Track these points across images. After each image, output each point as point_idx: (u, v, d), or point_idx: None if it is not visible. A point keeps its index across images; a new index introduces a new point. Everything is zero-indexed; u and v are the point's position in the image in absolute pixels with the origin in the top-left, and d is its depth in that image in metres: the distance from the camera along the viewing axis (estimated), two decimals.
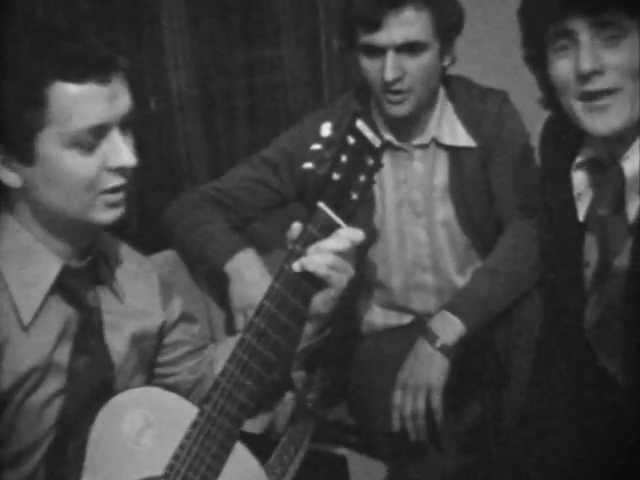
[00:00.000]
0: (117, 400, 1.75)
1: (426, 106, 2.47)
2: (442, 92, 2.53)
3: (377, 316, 2.69)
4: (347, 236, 1.72)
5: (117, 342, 1.88)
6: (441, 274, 2.61)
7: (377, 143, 1.73)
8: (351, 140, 1.70)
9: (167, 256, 2.48)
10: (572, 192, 2.02)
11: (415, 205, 2.56)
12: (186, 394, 2.03)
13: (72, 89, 1.64)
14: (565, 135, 2.04)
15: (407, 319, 2.65)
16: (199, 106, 3.00)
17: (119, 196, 1.74)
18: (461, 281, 2.57)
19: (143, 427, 1.75)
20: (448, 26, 2.39)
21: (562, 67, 1.87)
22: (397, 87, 2.37)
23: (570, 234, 2.05)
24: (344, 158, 1.70)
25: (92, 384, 1.82)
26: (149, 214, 2.79)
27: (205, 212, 2.49)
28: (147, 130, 2.88)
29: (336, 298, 1.78)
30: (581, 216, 2.02)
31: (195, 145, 2.98)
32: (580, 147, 2.01)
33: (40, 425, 1.78)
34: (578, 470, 2.02)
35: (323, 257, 1.70)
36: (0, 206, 1.78)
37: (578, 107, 1.88)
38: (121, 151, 1.70)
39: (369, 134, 1.71)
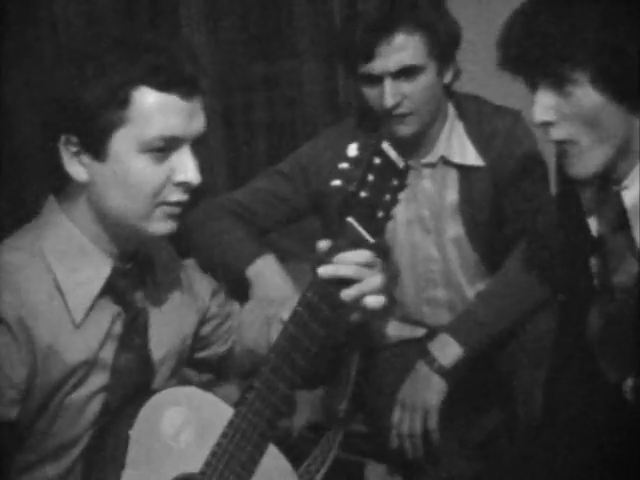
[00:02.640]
0: (158, 399, 1.80)
1: (432, 124, 2.50)
2: (452, 110, 2.55)
3: (391, 329, 2.74)
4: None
5: (157, 344, 1.92)
6: (453, 288, 2.65)
7: (401, 164, 1.77)
8: (377, 160, 1.74)
9: (187, 264, 2.53)
10: (581, 209, 2.06)
11: (425, 222, 2.60)
12: (215, 369, 2.10)
13: (155, 96, 1.70)
14: None
15: (420, 332, 2.69)
16: (219, 117, 3.07)
17: (177, 210, 1.78)
18: (473, 294, 2.60)
19: (182, 425, 1.80)
20: (443, 44, 2.41)
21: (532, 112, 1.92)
22: (400, 111, 2.40)
23: (581, 249, 2.09)
24: (370, 177, 1.74)
25: (133, 382, 1.86)
26: None
27: (224, 222, 2.54)
28: None
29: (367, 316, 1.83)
30: (594, 231, 2.05)
31: (215, 155, 3.05)
32: None
33: (81, 420, 1.82)
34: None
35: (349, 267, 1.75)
36: (53, 206, 1.82)
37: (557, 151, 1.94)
38: (189, 167, 1.75)
39: (394, 155, 1.76)
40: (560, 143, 1.89)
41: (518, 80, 1.93)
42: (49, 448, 1.82)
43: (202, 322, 2.07)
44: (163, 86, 1.70)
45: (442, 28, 2.40)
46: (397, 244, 2.61)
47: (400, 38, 2.35)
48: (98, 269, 1.80)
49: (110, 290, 1.82)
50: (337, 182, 1.75)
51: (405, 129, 2.45)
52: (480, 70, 2.59)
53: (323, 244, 1.77)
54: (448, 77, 2.48)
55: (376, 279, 1.77)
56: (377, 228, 1.78)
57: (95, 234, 1.80)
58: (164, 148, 1.73)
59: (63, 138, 1.73)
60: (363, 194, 1.74)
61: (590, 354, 2.07)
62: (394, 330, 2.74)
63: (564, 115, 1.86)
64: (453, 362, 2.36)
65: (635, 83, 1.84)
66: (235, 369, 2.12)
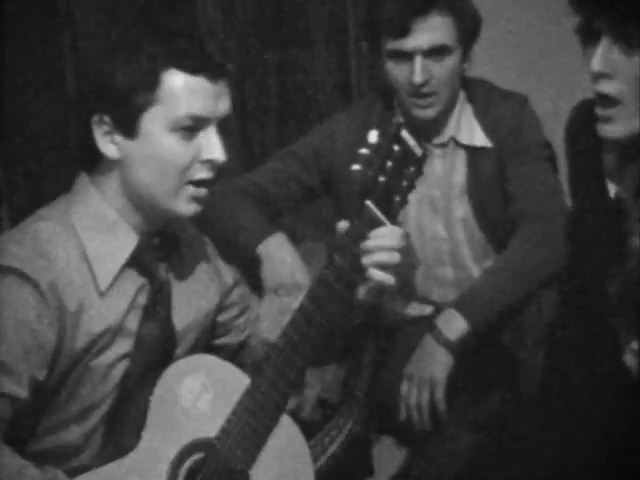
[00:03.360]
0: (177, 366, 1.89)
1: (448, 108, 2.58)
2: (462, 94, 2.63)
3: (399, 307, 2.79)
4: (395, 234, 1.86)
5: (180, 316, 2.00)
6: (460, 267, 2.71)
7: (419, 152, 1.85)
8: (396, 147, 1.82)
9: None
10: (602, 171, 2.07)
11: (435, 202, 2.66)
12: (232, 356, 2.16)
13: (184, 78, 1.80)
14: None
15: (428, 310, 2.74)
16: (233, 102, 3.13)
17: (203, 192, 1.88)
18: (479, 273, 2.67)
19: (200, 392, 1.88)
20: (469, 31, 2.50)
21: (587, 59, 1.91)
22: (425, 90, 2.48)
23: (599, 211, 2.11)
24: (389, 163, 1.83)
25: (156, 350, 1.94)
26: None
27: (238, 201, 2.59)
28: None
29: (380, 294, 1.95)
30: (612, 193, 2.07)
31: (229, 139, 3.11)
32: None
33: (104, 385, 1.90)
34: (591, 456, 2.07)
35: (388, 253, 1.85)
36: (85, 181, 1.91)
37: (596, 106, 1.94)
38: (215, 146, 1.84)
39: (412, 143, 1.84)
40: (603, 100, 1.90)
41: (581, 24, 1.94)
42: (73, 410, 1.90)
43: (223, 305, 2.15)
44: (192, 69, 1.80)
45: (470, 15, 2.51)
46: (407, 223, 2.66)
47: (435, 18, 2.44)
48: (125, 241, 1.89)
49: (136, 262, 1.91)
50: (357, 167, 1.83)
51: (428, 112, 2.53)
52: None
53: (342, 225, 1.86)
54: (467, 64, 2.57)
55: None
56: (394, 212, 1.86)
57: (123, 209, 1.89)
58: (192, 127, 1.82)
59: (96, 117, 1.82)
60: (382, 179, 1.83)
61: (594, 323, 2.11)
62: (402, 308, 2.80)
63: (620, 73, 1.87)
64: (459, 336, 2.41)
65: None
66: (250, 359, 2.18)
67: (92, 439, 1.93)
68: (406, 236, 1.89)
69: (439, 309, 2.67)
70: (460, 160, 2.64)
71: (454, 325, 2.42)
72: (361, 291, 1.92)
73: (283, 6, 3.28)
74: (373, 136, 1.83)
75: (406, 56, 2.47)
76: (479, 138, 2.60)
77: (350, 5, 3.39)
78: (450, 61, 2.49)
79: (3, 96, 2.83)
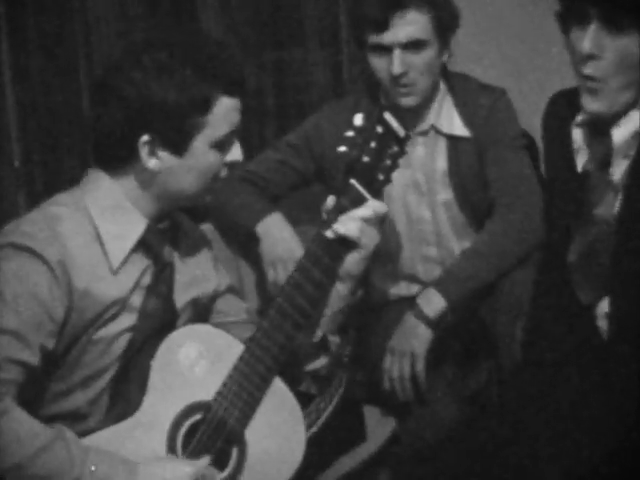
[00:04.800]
0: (176, 334, 2.03)
1: (429, 97, 2.74)
2: (443, 86, 2.78)
3: (389, 286, 2.96)
4: (373, 207, 1.99)
5: (181, 296, 2.14)
6: (443, 247, 2.86)
7: (401, 133, 1.99)
8: (379, 129, 1.97)
9: (205, 228, 2.74)
10: (571, 148, 2.22)
11: (419, 186, 2.82)
12: None
13: (229, 102, 1.99)
14: (570, 100, 2.22)
15: (414, 289, 2.88)
16: None
17: (219, 184, 2.09)
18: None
19: (197, 358, 2.01)
20: (445, 25, 2.66)
21: (574, 42, 2.06)
22: (404, 81, 2.63)
23: (568, 183, 2.25)
24: (373, 144, 1.97)
25: (157, 324, 2.07)
26: None
27: (237, 187, 2.77)
28: None
29: (365, 259, 2.04)
30: (579, 168, 2.21)
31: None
32: (580, 110, 2.19)
33: (108, 355, 2.03)
34: (573, 423, 2.18)
35: (354, 222, 1.98)
36: (99, 172, 2.06)
37: (579, 81, 2.09)
38: (237, 149, 2.05)
39: (395, 125, 1.99)
40: (589, 79, 2.05)
41: (567, 7, 2.07)
42: (78, 378, 2.03)
43: (213, 308, 2.29)
44: (234, 92, 1.99)
45: (447, 10, 2.67)
46: (393, 206, 2.81)
47: (412, 13, 2.60)
48: (135, 225, 2.05)
49: (143, 244, 2.06)
50: (343, 148, 1.98)
51: (409, 100, 2.68)
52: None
53: (329, 201, 2.00)
54: (445, 56, 2.72)
55: (373, 231, 2.02)
56: (377, 189, 2.01)
57: (134, 197, 2.05)
58: (228, 142, 2.02)
59: (146, 137, 1.98)
60: (366, 159, 1.97)
61: (568, 289, 2.23)
62: (391, 288, 2.96)
63: (608, 54, 2.02)
64: (437, 313, 2.58)
65: None
66: None
67: (97, 405, 2.05)
68: (384, 211, 2.02)
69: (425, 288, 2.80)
70: (441, 147, 2.79)
71: (433, 303, 2.59)
72: (348, 263, 2.03)
73: (279, 9, 3.40)
74: (358, 119, 1.98)
75: (386, 49, 2.62)
76: (458, 127, 2.76)
77: (342, 7, 3.53)
78: (427, 53, 2.64)
79: (22, 90, 2.97)
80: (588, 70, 2.06)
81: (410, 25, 2.60)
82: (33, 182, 2.76)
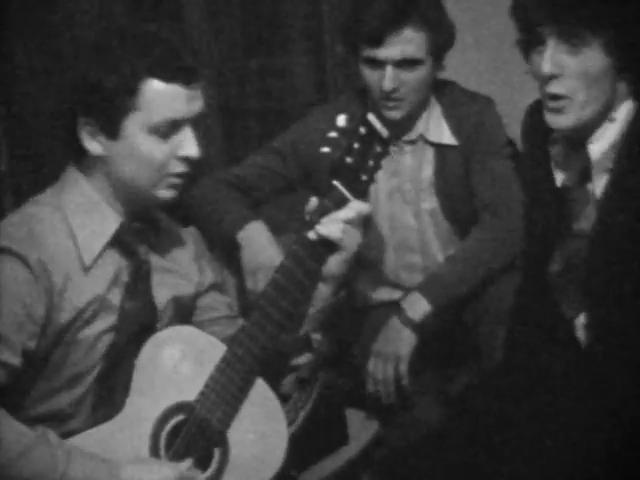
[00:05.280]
0: (159, 335, 2.05)
1: (417, 110, 2.75)
2: (432, 95, 2.79)
3: (371, 291, 2.98)
4: (356, 208, 1.98)
5: (160, 294, 2.14)
6: (427, 255, 2.88)
7: (385, 134, 1.99)
8: (362, 130, 1.96)
9: (189, 231, 2.77)
10: (550, 163, 2.24)
11: (405, 194, 2.83)
12: None
13: (161, 86, 1.96)
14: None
15: (397, 294, 2.89)
16: (217, 106, 3.30)
17: (180, 181, 2.05)
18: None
19: (180, 359, 2.03)
20: (441, 44, 2.66)
21: (534, 64, 2.09)
22: (394, 96, 2.64)
23: (547, 199, 2.27)
24: (356, 145, 1.97)
25: (138, 324, 2.08)
26: None
27: (221, 192, 2.79)
28: None
29: (347, 261, 2.03)
30: (559, 183, 2.23)
31: (213, 140, 3.29)
32: None
33: (91, 356, 2.04)
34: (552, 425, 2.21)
35: (336, 224, 1.97)
36: (72, 170, 2.07)
37: (544, 101, 2.11)
38: (191, 145, 2.01)
39: (378, 126, 1.98)
40: (554, 98, 2.07)
41: (524, 33, 2.10)
42: (63, 379, 2.04)
43: (197, 303, 2.28)
44: (167, 77, 1.96)
45: (443, 29, 2.66)
46: (379, 213, 2.84)
47: (408, 32, 2.59)
48: (108, 223, 2.05)
49: (118, 242, 2.06)
50: (326, 149, 1.98)
51: (395, 114, 2.69)
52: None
53: (311, 203, 2.00)
54: (437, 72, 2.73)
55: (355, 232, 2.00)
56: (361, 190, 2.00)
57: (108, 195, 2.05)
58: (169, 129, 1.98)
59: (82, 120, 1.99)
60: (348, 160, 1.97)
61: (548, 302, 2.26)
62: (374, 293, 2.98)
63: (569, 71, 2.04)
64: (422, 317, 2.61)
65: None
66: None
67: (81, 406, 2.06)
68: (366, 211, 2.02)
69: (407, 294, 2.82)
70: (428, 156, 2.81)
71: (418, 307, 2.62)
72: (330, 264, 2.03)
73: (263, 15, 3.42)
74: (341, 120, 1.98)
75: (379, 64, 2.63)
76: (446, 136, 2.78)
77: (326, 15, 3.54)
78: (420, 72, 2.65)
79: (7, 93, 2.98)
80: (552, 89, 2.07)
81: (405, 43, 2.61)
82: (20, 185, 2.77)
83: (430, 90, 2.77)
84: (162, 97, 1.96)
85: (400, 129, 2.77)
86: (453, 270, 2.68)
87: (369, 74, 2.67)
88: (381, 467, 2.64)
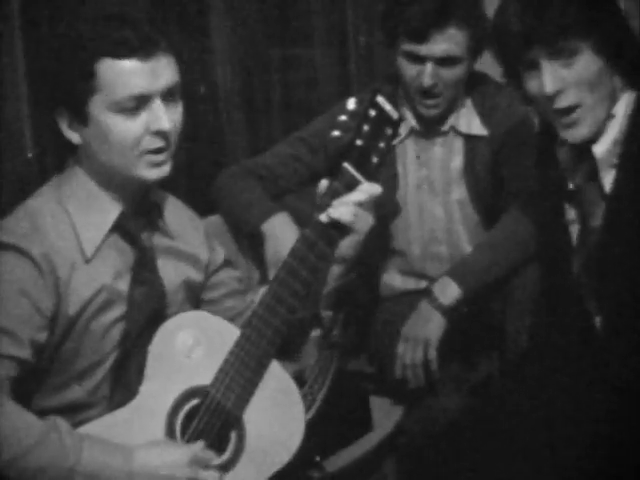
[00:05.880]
0: (172, 321, 2.05)
1: (452, 105, 2.76)
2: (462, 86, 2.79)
3: (397, 281, 2.98)
4: (367, 190, 1.97)
5: (170, 279, 2.14)
6: (454, 246, 2.88)
7: (395, 116, 1.98)
8: (372, 112, 1.96)
9: (213, 221, 2.80)
10: (559, 165, 2.26)
11: (434, 185, 2.84)
12: None
13: (117, 64, 1.93)
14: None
15: (423, 284, 2.89)
16: (240, 98, 3.32)
17: (161, 157, 2.01)
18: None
19: (193, 344, 2.03)
20: (481, 42, 2.64)
21: (533, 87, 2.10)
22: (432, 92, 2.65)
23: (559, 201, 2.30)
24: (366, 127, 1.96)
25: (148, 311, 2.08)
26: (198, 184, 3.13)
27: (246, 182, 2.79)
28: (197, 110, 3.23)
29: (359, 243, 2.02)
30: (570, 185, 2.24)
31: (236, 132, 3.31)
32: None
33: (104, 345, 2.05)
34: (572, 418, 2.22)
35: (347, 207, 1.96)
36: (71, 163, 2.08)
37: (553, 119, 2.12)
38: (160, 118, 1.97)
39: (388, 108, 1.97)
40: (564, 112, 2.09)
41: (512, 62, 2.13)
42: (76, 370, 2.05)
43: (210, 282, 2.28)
44: (123, 54, 1.94)
45: (483, 27, 2.63)
46: (408, 204, 2.86)
47: (451, 30, 2.60)
48: (108, 212, 2.05)
49: (120, 230, 2.07)
50: (336, 132, 1.97)
51: (433, 111, 2.72)
52: None
53: (322, 184, 2.00)
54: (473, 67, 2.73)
55: (367, 215, 2.00)
56: (371, 172, 1.99)
57: (104, 183, 2.05)
58: (135, 106, 1.96)
59: (57, 111, 2.00)
60: (359, 142, 1.96)
61: (573, 298, 2.27)
62: (399, 282, 2.98)
63: (569, 83, 2.06)
64: (452, 301, 2.60)
65: (630, 47, 2.09)
66: None
67: (96, 396, 2.07)
68: (377, 192, 2.00)
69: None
70: (458, 147, 2.81)
71: (448, 291, 2.61)
72: (342, 246, 2.03)
73: (286, 7, 3.44)
74: (351, 103, 1.97)
75: (419, 59, 2.63)
76: (476, 127, 2.78)
77: (349, 6, 3.56)
78: (459, 69, 2.66)
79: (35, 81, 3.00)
80: (561, 104, 2.09)
81: (448, 41, 2.61)
82: (46, 173, 2.79)
83: (464, 85, 2.77)
84: (119, 75, 1.94)
85: (434, 123, 2.79)
86: (483, 257, 2.67)
87: (408, 68, 2.68)
88: (403, 454, 2.64)
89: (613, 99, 2.13)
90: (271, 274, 2.64)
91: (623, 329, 2.17)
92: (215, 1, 3.29)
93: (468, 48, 2.64)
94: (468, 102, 2.81)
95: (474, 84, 2.81)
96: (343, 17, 3.57)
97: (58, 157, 2.71)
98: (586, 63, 2.06)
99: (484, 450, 2.24)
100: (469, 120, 2.80)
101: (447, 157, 2.83)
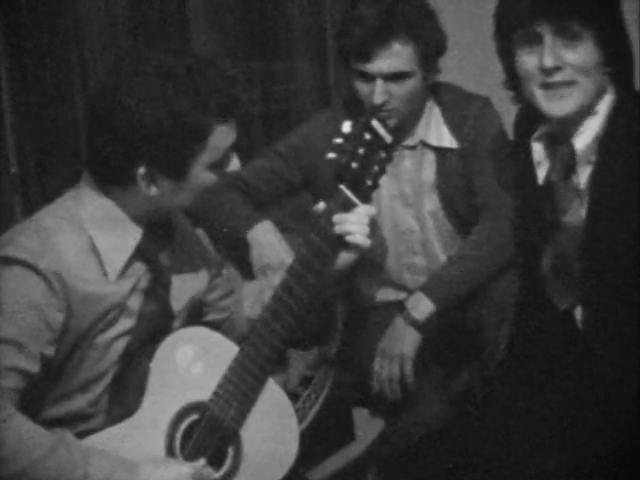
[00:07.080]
0: (173, 337, 2.09)
1: (412, 118, 2.78)
2: (430, 98, 2.81)
3: (376, 292, 3.02)
4: (365, 212, 2.04)
5: (177, 298, 2.18)
6: (429, 256, 2.92)
7: (388, 140, 2.03)
8: (367, 136, 2.01)
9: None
10: (533, 160, 2.31)
11: (406, 197, 2.87)
12: (216, 329, 2.30)
13: (223, 127, 1.99)
14: (529, 116, 2.33)
15: (402, 295, 2.93)
16: None
17: None
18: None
19: (193, 359, 2.08)
20: (431, 54, 2.66)
21: (528, 61, 2.16)
22: (384, 107, 2.65)
23: (531, 196, 2.36)
24: (360, 150, 2.01)
25: (154, 327, 2.11)
26: None
27: (227, 195, 2.82)
28: None
29: (355, 259, 2.09)
30: (540, 180, 2.31)
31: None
32: (539, 124, 2.31)
33: (107, 358, 2.07)
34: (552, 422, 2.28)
35: (354, 225, 2.02)
36: (89, 181, 2.07)
37: (539, 94, 2.17)
38: (236, 161, 2.08)
39: (382, 132, 2.02)
40: (557, 85, 2.15)
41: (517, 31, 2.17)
42: (78, 382, 2.07)
43: (210, 285, 2.33)
44: (229, 119, 2.01)
45: (432, 40, 2.66)
46: (381, 217, 2.87)
47: (396, 46, 2.60)
48: (130, 235, 2.07)
49: (139, 252, 2.09)
50: (332, 155, 2.02)
51: (388, 123, 2.72)
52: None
53: (318, 207, 2.05)
54: (431, 80, 2.75)
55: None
56: (366, 194, 2.05)
57: (132, 209, 2.06)
58: (224, 159, 2.05)
59: (143, 169, 1.98)
60: (354, 165, 2.01)
61: (543, 296, 2.33)
62: (378, 293, 3.02)
63: (567, 64, 2.14)
64: (426, 316, 2.66)
65: (622, 47, 2.19)
66: (234, 335, 2.33)
67: (98, 406, 2.10)
68: (374, 214, 2.07)
69: (411, 294, 2.85)
70: (429, 160, 2.84)
71: (422, 307, 2.67)
72: (338, 262, 2.09)
73: (266, 20, 3.47)
74: (347, 126, 2.02)
75: (369, 77, 2.65)
76: (446, 140, 2.81)
77: (329, 20, 3.59)
78: (410, 83, 2.66)
79: (18, 97, 3.01)
80: (555, 78, 2.16)
81: (393, 57, 2.62)
82: (29, 189, 2.81)
83: (425, 96, 2.79)
84: (223, 136, 2.01)
85: (400, 135, 2.79)
86: (455, 270, 2.72)
87: (360, 87, 2.69)
88: (386, 465, 2.69)
89: (599, 95, 2.20)
90: (257, 279, 2.71)
91: (605, 323, 2.22)
92: (195, 14, 3.32)
93: (417, 62, 2.64)
94: (437, 113, 2.82)
95: (442, 95, 2.84)
96: (322, 30, 3.61)
97: (41, 173, 2.73)
98: (586, 51, 2.13)
99: (466, 459, 2.29)
100: (439, 132, 2.81)
101: (418, 170, 2.85)
